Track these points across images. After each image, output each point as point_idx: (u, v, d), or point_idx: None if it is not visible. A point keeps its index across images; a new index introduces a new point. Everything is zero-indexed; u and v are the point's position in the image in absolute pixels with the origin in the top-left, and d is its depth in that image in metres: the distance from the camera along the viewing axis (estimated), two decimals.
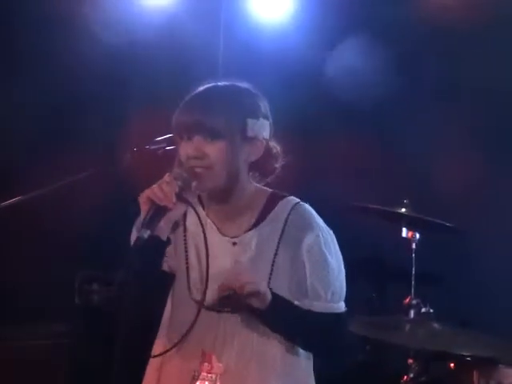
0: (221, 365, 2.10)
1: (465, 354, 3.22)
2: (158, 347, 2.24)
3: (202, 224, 2.11)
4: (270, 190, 2.25)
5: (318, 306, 2.16)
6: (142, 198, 2.05)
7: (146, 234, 1.98)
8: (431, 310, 3.47)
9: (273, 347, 2.17)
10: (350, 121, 4.32)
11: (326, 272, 2.16)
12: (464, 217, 3.88)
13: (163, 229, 2.08)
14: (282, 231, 2.18)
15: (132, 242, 2.17)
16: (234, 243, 2.18)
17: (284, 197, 2.23)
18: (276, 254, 2.17)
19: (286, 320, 2.15)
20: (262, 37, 4.53)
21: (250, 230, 2.19)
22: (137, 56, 4.39)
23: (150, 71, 4.40)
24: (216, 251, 2.15)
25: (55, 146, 4.21)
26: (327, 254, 2.17)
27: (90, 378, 4.00)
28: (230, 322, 2.16)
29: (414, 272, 3.64)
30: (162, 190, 2.03)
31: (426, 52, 4.27)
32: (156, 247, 2.09)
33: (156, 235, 2.05)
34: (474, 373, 3.20)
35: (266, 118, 2.19)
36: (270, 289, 2.10)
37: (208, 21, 4.51)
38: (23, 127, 4.21)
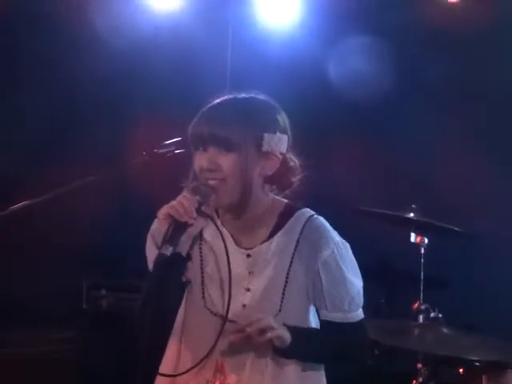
0: (234, 375, 2.11)
1: (474, 358, 3.21)
2: (170, 352, 2.23)
3: (222, 237, 2.11)
4: (285, 201, 2.23)
5: (337, 317, 2.17)
6: (162, 215, 2.02)
7: (168, 250, 1.97)
8: (440, 315, 3.47)
9: (288, 359, 2.17)
10: (358, 125, 4.32)
11: (343, 286, 2.16)
12: (472, 222, 3.88)
13: (184, 244, 2.09)
14: (297, 242, 2.17)
15: (148, 252, 2.19)
16: (248, 255, 2.18)
17: (298, 209, 2.21)
18: (291, 266, 2.16)
19: (311, 350, 2.16)
20: (270, 42, 4.54)
21: (264, 241, 2.18)
22: (143, 63, 4.41)
23: (158, 79, 4.41)
24: (231, 262, 2.13)
25: (59, 150, 4.23)
26: (343, 268, 2.16)
27: (91, 380, 4.02)
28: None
29: (422, 277, 3.64)
30: (182, 206, 2.01)
31: (437, 55, 4.27)
32: (177, 263, 2.10)
33: (177, 252, 2.05)
34: (483, 377, 3.21)
35: (283, 132, 2.14)
36: (293, 327, 2.10)
37: (216, 27, 4.53)
38: (24, 132, 4.24)
